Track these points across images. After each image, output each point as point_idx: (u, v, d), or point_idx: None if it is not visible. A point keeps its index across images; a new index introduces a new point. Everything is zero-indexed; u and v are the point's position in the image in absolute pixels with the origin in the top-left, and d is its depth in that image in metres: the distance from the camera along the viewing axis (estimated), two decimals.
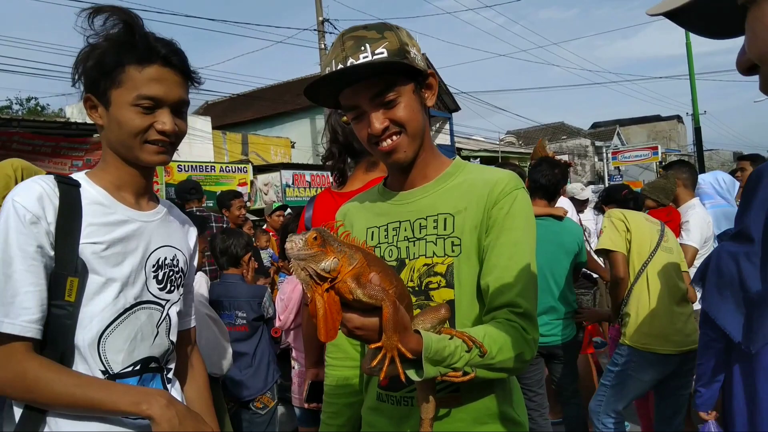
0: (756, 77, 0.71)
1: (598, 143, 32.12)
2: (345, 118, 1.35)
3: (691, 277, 3.30)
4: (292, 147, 18.33)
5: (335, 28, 17.68)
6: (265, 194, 13.60)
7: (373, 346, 1.01)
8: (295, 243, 0.95)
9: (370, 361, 1.06)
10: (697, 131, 14.93)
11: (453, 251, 1.25)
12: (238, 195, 5.53)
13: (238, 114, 21.57)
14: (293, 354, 3.02)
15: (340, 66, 1.19)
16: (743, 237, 2.05)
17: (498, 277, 1.21)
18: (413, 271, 1.28)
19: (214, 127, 15.82)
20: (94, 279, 1.24)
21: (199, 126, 15.04)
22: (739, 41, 0.73)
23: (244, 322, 3.17)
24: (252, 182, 13.12)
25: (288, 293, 3.00)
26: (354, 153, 2.13)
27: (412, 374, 1.06)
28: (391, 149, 1.26)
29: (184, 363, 1.55)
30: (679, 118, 43.89)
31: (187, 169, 11.52)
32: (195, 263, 1.59)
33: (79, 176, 1.33)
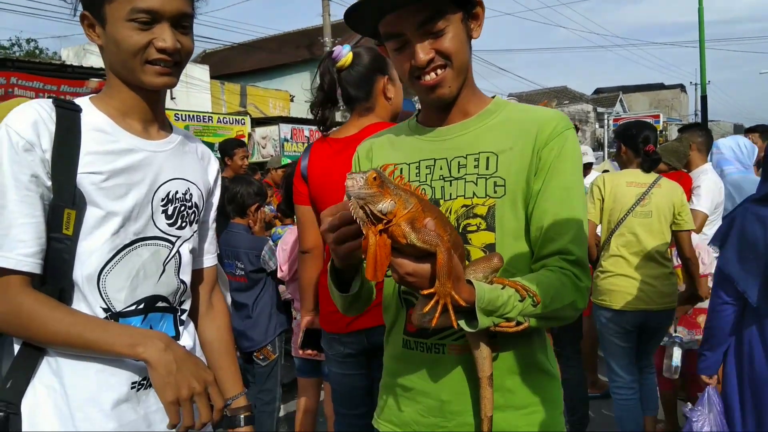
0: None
1: (600, 109, 31.83)
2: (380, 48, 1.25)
3: (704, 240, 3.28)
4: (291, 101, 18.05)
5: None
6: (263, 147, 13.45)
7: (425, 291, 0.98)
8: (355, 180, 0.92)
9: (421, 308, 1.03)
10: (703, 99, 14.73)
11: (495, 192, 1.18)
12: (241, 144, 5.40)
13: (237, 64, 21.16)
14: (294, 305, 2.98)
15: None
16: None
17: (550, 223, 1.16)
18: (449, 213, 1.20)
19: (212, 77, 15.52)
20: (92, 212, 1.16)
21: (197, 75, 14.75)
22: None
23: (243, 273, 3.11)
24: (250, 135, 12.95)
25: (290, 244, 2.91)
26: (349, 99, 2.08)
27: (463, 325, 1.03)
28: (436, 83, 1.17)
29: (203, 303, 1.46)
30: (682, 87, 43.46)
31: (184, 119, 11.34)
32: (215, 199, 1.47)
33: (82, 101, 1.23)
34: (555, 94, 33.72)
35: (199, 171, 1.39)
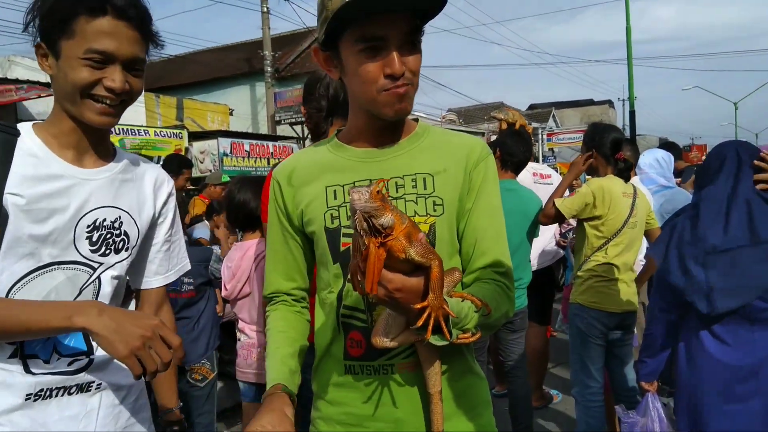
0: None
1: (535, 124, 32.85)
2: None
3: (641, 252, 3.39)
4: (231, 114, 17.72)
5: None
6: (201, 162, 13.10)
7: (419, 306, 0.99)
8: (361, 194, 0.94)
9: (386, 327, 1.06)
10: (632, 114, 15.47)
11: (435, 211, 1.22)
12: (188, 164, 5.26)
13: (173, 77, 20.62)
14: (239, 325, 2.86)
15: None
16: (707, 200, 2.11)
17: (481, 238, 1.24)
18: None
19: (146, 89, 14.99)
20: (11, 231, 1.19)
21: None
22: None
23: (191, 287, 2.99)
24: (187, 149, 12.60)
25: (236, 261, 2.80)
26: (331, 112, 2.09)
27: (436, 339, 1.04)
28: (404, 95, 1.16)
29: None
30: (610, 102, 45.51)
31: (119, 132, 10.89)
32: (168, 221, 1.48)
33: (24, 126, 1.28)
34: (492, 109, 34.61)
35: (138, 198, 1.40)
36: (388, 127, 1.25)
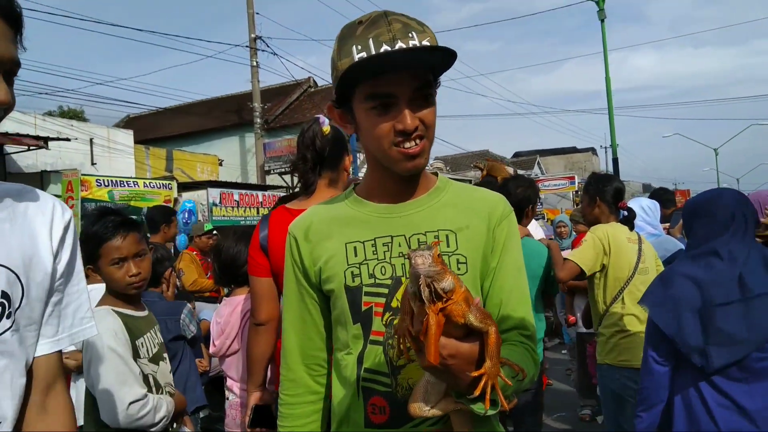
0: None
1: (520, 171, 33.30)
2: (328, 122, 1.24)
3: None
4: (220, 165, 17.83)
5: (267, 46, 17.52)
6: None
7: (475, 373, 0.93)
8: (425, 258, 0.88)
9: (425, 395, 1.02)
10: (615, 162, 15.77)
11: (459, 269, 1.18)
12: (174, 213, 5.22)
13: (163, 129, 20.80)
14: (227, 383, 2.80)
15: (391, 46, 1.08)
16: (706, 254, 2.11)
17: (507, 299, 1.21)
18: None
19: (136, 141, 15.13)
20: None
21: (121, 140, 14.37)
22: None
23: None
24: (176, 200, 12.59)
25: (225, 316, 2.76)
26: (317, 164, 2.10)
27: (479, 408, 0.97)
28: (418, 153, 1.15)
29: (33, 406, 1.10)
30: (593, 150, 46.39)
31: (107, 184, 10.91)
32: (63, 264, 1.13)
33: None
34: (478, 158, 35.11)
35: (22, 242, 1.06)
36: (406, 182, 1.22)
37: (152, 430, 1.96)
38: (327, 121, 2.12)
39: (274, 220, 2.07)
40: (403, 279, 1.17)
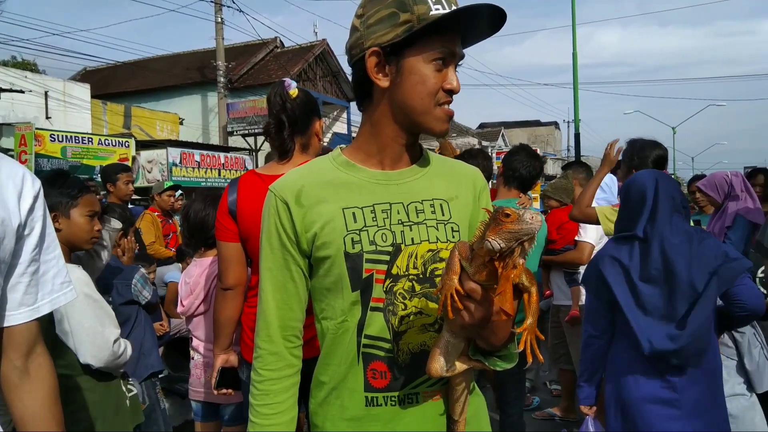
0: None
1: (484, 143, 33.52)
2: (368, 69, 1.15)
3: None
4: (181, 124, 17.38)
5: (233, 2, 16.96)
6: (149, 172, 12.77)
7: (520, 329, 0.97)
8: (535, 216, 0.91)
9: (446, 355, 1.07)
10: (577, 137, 16.02)
11: (454, 237, 1.20)
12: (125, 168, 5.02)
13: (122, 84, 20.09)
14: (193, 343, 2.78)
15: (455, 4, 1.11)
16: (626, 237, 2.20)
17: None
18: (415, 258, 1.17)
19: (93, 96, 14.58)
20: None
21: (76, 93, 13.85)
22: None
23: (111, 308, 2.75)
24: (134, 158, 12.25)
25: (195, 277, 2.71)
26: (293, 128, 2.05)
27: (492, 363, 1.07)
28: (452, 115, 1.18)
29: (14, 372, 1.16)
30: (556, 124, 47.08)
31: (61, 140, 10.50)
32: (35, 235, 1.17)
33: None
34: None
35: None
36: (409, 148, 1.23)
37: (121, 371, 2.08)
38: (293, 84, 2.07)
39: (244, 184, 2.03)
40: (403, 246, 1.16)
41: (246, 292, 2.10)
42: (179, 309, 2.79)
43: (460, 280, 0.97)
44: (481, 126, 44.00)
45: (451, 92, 1.15)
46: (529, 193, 3.42)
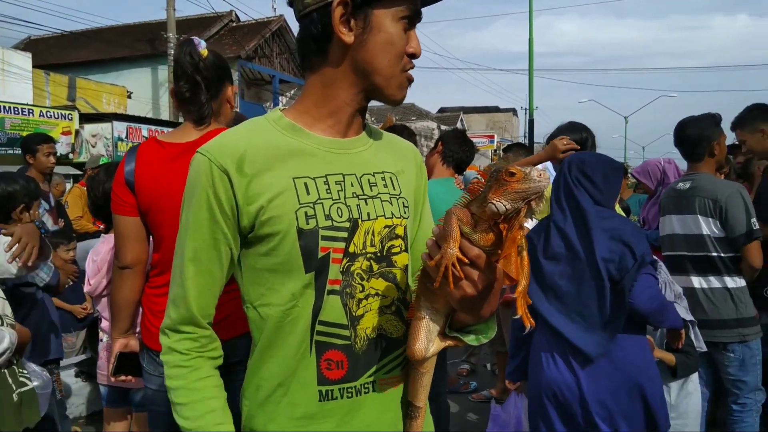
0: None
1: (443, 127, 33.67)
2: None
3: None
4: (129, 97, 16.72)
5: None
6: (93, 146, 12.27)
7: (519, 291, 0.91)
8: (543, 173, 0.87)
9: (426, 335, 1.01)
10: (530, 123, 16.20)
11: (405, 213, 1.14)
12: (48, 139, 4.73)
13: (67, 54, 19.19)
14: (101, 324, 2.64)
15: None
16: (541, 223, 2.25)
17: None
18: (372, 234, 1.07)
19: (35, 66, 13.87)
20: None
21: (17, 62, 13.11)
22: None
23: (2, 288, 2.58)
24: (78, 131, 11.76)
25: (102, 254, 2.55)
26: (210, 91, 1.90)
27: (470, 340, 1.03)
28: (412, 81, 1.12)
29: None
30: (514, 111, 47.57)
31: (0, 110, 9.95)
32: None
33: None
34: (403, 110, 35.09)
35: None
36: (358, 115, 1.12)
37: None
38: (203, 42, 1.90)
39: (145, 153, 1.86)
40: (359, 221, 1.06)
41: (147, 271, 1.95)
42: (86, 288, 2.62)
43: (461, 248, 0.90)
44: (441, 110, 44.11)
45: (413, 56, 1.08)
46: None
